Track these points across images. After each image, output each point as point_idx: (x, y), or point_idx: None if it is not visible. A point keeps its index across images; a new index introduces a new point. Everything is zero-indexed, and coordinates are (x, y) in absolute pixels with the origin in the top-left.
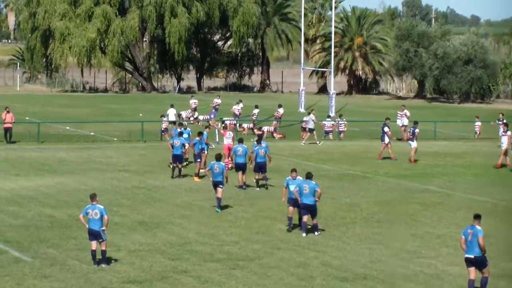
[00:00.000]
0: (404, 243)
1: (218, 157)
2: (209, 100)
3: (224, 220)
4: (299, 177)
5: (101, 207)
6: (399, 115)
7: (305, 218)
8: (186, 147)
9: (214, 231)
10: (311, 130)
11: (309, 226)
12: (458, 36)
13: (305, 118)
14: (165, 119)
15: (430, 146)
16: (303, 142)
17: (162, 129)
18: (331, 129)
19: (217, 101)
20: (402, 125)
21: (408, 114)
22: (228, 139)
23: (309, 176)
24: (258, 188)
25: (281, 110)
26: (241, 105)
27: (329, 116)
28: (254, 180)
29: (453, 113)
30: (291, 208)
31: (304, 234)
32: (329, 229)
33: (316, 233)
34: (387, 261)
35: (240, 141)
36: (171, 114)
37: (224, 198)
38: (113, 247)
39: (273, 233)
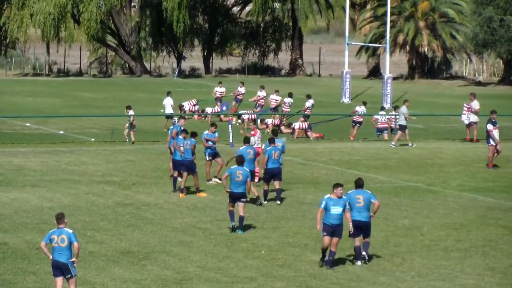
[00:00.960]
0: (479, 279)
1: (241, 161)
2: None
3: (237, 249)
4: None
5: (70, 231)
6: (465, 108)
7: (358, 241)
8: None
9: (223, 264)
10: (402, 128)
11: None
12: None
13: (380, 112)
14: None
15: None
16: (393, 143)
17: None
18: (386, 125)
19: (241, 90)
20: (469, 122)
21: (476, 107)
22: (257, 140)
23: (360, 183)
24: (265, 202)
25: (308, 103)
26: (264, 92)
27: (383, 108)
28: (263, 191)
29: None
30: (327, 238)
31: (359, 263)
32: (379, 260)
33: (359, 262)
34: None
35: (246, 141)
36: (168, 105)
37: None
38: (86, 285)
39: (302, 267)
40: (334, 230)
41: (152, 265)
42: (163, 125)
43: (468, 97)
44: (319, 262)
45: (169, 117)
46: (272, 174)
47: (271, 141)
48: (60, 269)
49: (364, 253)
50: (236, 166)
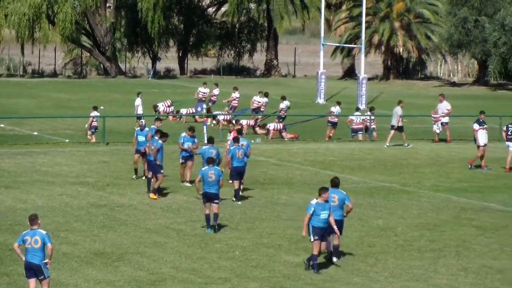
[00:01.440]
0: (453, 279)
1: (211, 161)
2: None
3: (211, 249)
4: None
5: (44, 232)
6: (433, 119)
7: (330, 238)
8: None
9: (197, 265)
10: (400, 128)
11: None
12: None
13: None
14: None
15: (493, 149)
16: (388, 143)
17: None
18: (361, 126)
19: (214, 91)
20: (440, 126)
21: (446, 108)
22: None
23: (336, 182)
24: (239, 202)
25: (282, 104)
26: (237, 93)
27: (358, 109)
28: (234, 191)
29: None
30: (318, 242)
31: (335, 259)
32: (353, 261)
33: (335, 259)
34: None
35: (210, 140)
36: (139, 106)
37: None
38: (59, 287)
39: (276, 267)
40: (324, 233)
41: (126, 266)
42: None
43: (438, 98)
44: (306, 265)
45: (139, 117)
46: (238, 172)
47: (235, 140)
48: (33, 271)
49: (334, 258)
50: (208, 167)
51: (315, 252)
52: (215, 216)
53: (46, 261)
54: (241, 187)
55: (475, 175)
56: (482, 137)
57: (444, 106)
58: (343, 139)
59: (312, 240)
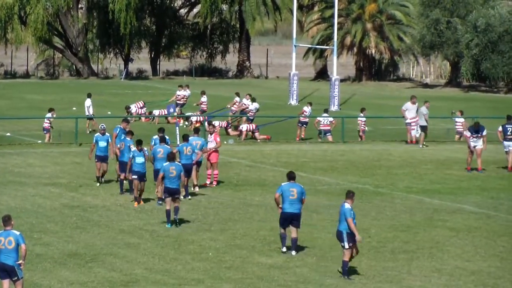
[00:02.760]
0: (426, 281)
1: (172, 157)
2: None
3: (184, 251)
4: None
5: (17, 233)
6: (412, 124)
7: (288, 231)
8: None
9: (170, 266)
10: (424, 129)
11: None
12: (506, 2)
13: (405, 108)
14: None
15: (465, 150)
16: (421, 145)
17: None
18: (328, 127)
19: (185, 93)
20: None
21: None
22: (211, 144)
23: (292, 176)
24: (189, 197)
25: (252, 106)
26: (205, 97)
27: (326, 111)
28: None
29: (497, 106)
30: (349, 251)
31: (293, 253)
32: (326, 262)
33: (294, 252)
34: None
35: (185, 138)
36: (89, 107)
37: (186, 221)
38: (33, 287)
39: (249, 269)
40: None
41: (99, 267)
42: (85, 127)
43: (411, 99)
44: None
45: (90, 118)
46: (185, 170)
47: (185, 138)
48: (7, 272)
49: (293, 252)
50: (169, 162)
51: (347, 258)
52: (175, 209)
53: (20, 262)
54: (195, 182)
55: (448, 176)
56: (474, 142)
57: (422, 110)
58: (315, 141)
59: (347, 247)
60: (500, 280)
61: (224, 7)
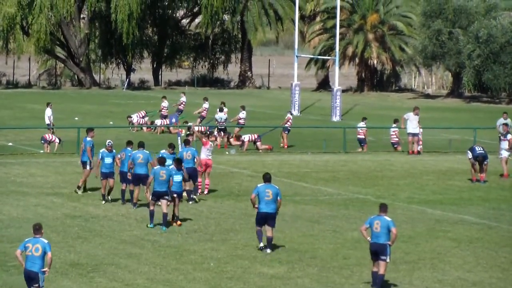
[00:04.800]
0: None
1: (162, 161)
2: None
3: (186, 261)
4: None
5: (45, 241)
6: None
7: (265, 231)
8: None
9: (171, 276)
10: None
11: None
12: (508, 13)
13: (406, 117)
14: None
15: (468, 161)
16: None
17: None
18: (363, 136)
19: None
20: (413, 134)
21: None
22: (207, 152)
23: (267, 177)
24: (191, 202)
25: (241, 114)
26: (207, 104)
27: (364, 119)
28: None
29: (499, 117)
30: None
31: (268, 250)
32: (328, 273)
33: (268, 250)
34: None
35: (141, 145)
36: (47, 116)
37: (188, 231)
38: None
39: (251, 279)
40: (376, 249)
41: (101, 277)
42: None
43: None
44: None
45: (50, 127)
46: (188, 174)
47: (186, 143)
48: (31, 278)
49: (268, 250)
50: (159, 166)
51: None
52: (164, 216)
53: (45, 269)
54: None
55: (449, 187)
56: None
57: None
58: (317, 151)
59: (389, 260)
60: None
61: (226, 17)
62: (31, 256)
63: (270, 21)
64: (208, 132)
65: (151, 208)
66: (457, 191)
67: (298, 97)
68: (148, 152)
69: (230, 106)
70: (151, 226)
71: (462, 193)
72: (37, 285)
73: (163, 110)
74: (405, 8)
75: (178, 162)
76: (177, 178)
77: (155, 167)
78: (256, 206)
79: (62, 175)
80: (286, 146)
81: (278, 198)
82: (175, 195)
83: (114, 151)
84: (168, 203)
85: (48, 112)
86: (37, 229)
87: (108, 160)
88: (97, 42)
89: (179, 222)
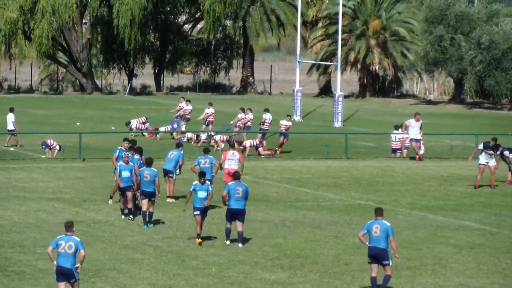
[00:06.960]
0: None
1: (150, 162)
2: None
3: (187, 266)
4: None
5: (78, 239)
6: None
7: (230, 225)
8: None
9: (173, 281)
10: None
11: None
12: (510, 19)
13: (408, 123)
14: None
15: (469, 167)
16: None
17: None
18: (399, 145)
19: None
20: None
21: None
22: (232, 161)
23: (237, 176)
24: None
25: (244, 115)
26: (212, 109)
27: (397, 127)
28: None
29: (501, 123)
30: (373, 266)
31: (240, 245)
32: (329, 278)
33: (240, 245)
34: None
35: (206, 151)
36: (9, 122)
37: (189, 237)
38: None
39: (252, 284)
40: (377, 254)
41: (102, 282)
42: (6, 142)
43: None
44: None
45: (13, 134)
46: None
47: (205, 151)
48: (65, 275)
49: (240, 244)
50: (145, 167)
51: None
52: (149, 214)
53: (77, 265)
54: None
55: (451, 193)
56: (484, 158)
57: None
58: (319, 157)
59: (391, 264)
60: None
61: (228, 23)
62: (64, 253)
63: (272, 26)
64: (232, 142)
65: (144, 208)
66: (459, 197)
67: (300, 102)
68: (156, 170)
69: (232, 111)
70: (145, 228)
71: (463, 199)
72: (73, 279)
73: (210, 117)
74: (407, 14)
75: (201, 175)
76: (201, 194)
77: (140, 169)
78: (227, 203)
79: (64, 180)
80: (279, 151)
81: (247, 195)
82: (198, 212)
83: (131, 164)
84: (150, 202)
85: (11, 117)
86: (69, 227)
87: (125, 174)
88: (99, 47)
89: (199, 240)
